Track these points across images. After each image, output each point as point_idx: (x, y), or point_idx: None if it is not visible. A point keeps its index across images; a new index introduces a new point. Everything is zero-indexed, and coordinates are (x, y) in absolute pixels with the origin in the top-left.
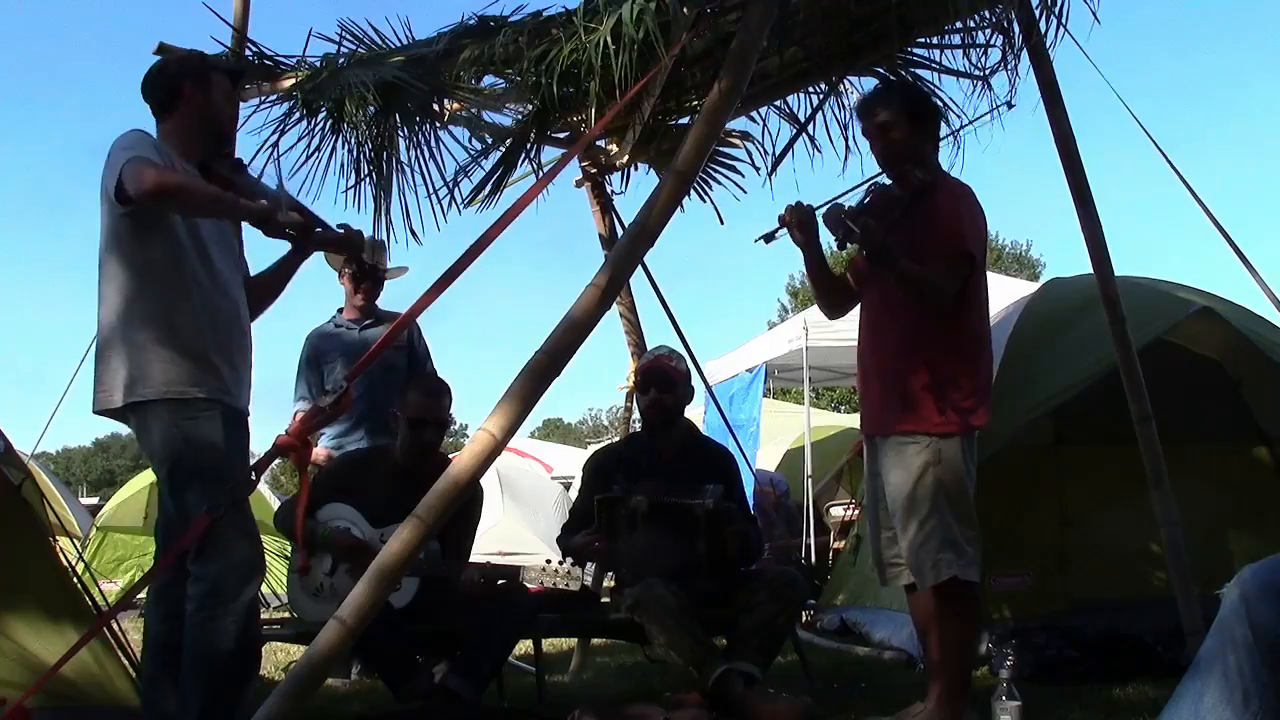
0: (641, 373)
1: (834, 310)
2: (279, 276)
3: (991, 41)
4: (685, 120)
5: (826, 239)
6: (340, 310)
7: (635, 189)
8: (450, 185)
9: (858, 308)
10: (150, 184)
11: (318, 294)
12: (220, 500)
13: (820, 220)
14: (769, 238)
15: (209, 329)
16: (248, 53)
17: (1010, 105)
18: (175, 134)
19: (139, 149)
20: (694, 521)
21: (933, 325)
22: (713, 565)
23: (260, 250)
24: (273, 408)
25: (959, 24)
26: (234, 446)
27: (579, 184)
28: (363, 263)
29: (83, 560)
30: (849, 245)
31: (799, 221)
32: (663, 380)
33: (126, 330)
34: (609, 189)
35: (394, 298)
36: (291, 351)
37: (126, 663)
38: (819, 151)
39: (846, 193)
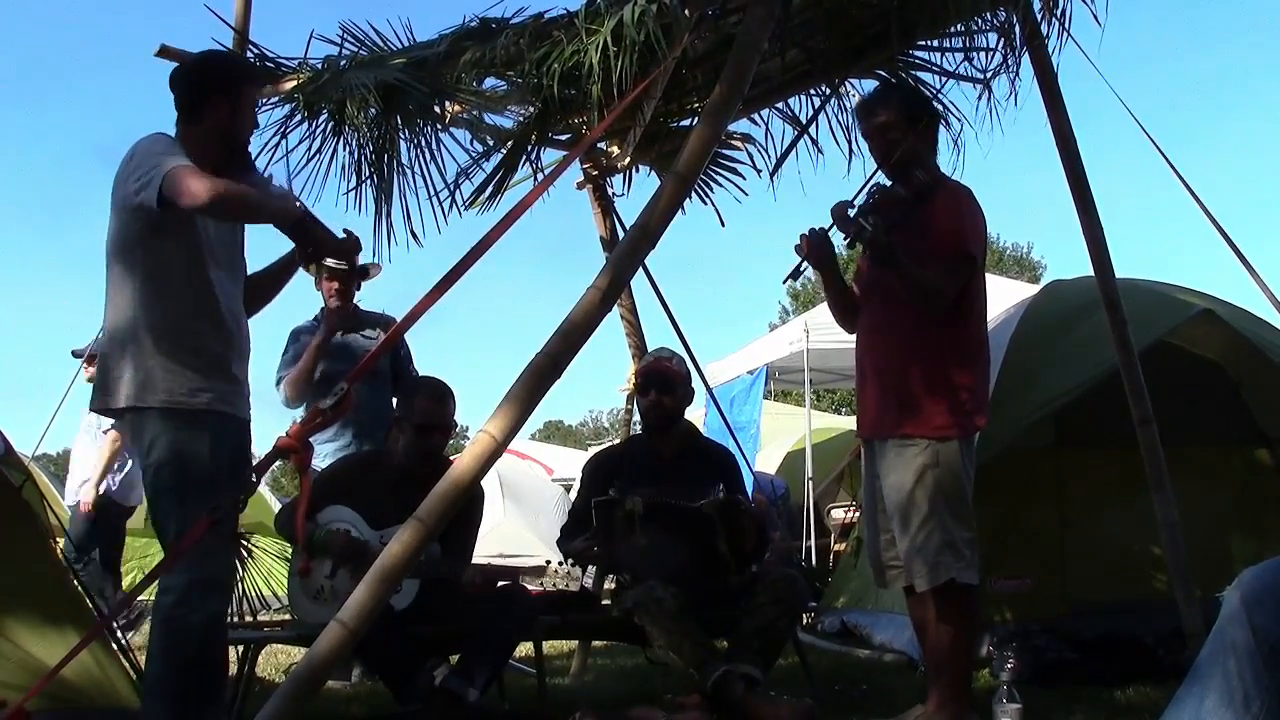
0: (642, 374)
1: (853, 325)
2: (279, 276)
3: (993, 44)
4: (687, 122)
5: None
6: (322, 309)
7: (636, 191)
8: (451, 187)
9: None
10: (208, 197)
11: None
12: (217, 505)
13: (830, 216)
14: (795, 275)
15: (215, 339)
16: (249, 55)
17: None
18: (193, 142)
19: (175, 156)
20: (704, 522)
21: (932, 328)
22: (736, 561)
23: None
24: (269, 411)
25: (960, 26)
26: (226, 458)
27: (580, 186)
28: (353, 265)
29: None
30: (857, 245)
31: (816, 246)
32: (663, 382)
33: (134, 335)
34: (610, 191)
35: (392, 299)
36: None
37: (127, 665)
38: (821, 154)
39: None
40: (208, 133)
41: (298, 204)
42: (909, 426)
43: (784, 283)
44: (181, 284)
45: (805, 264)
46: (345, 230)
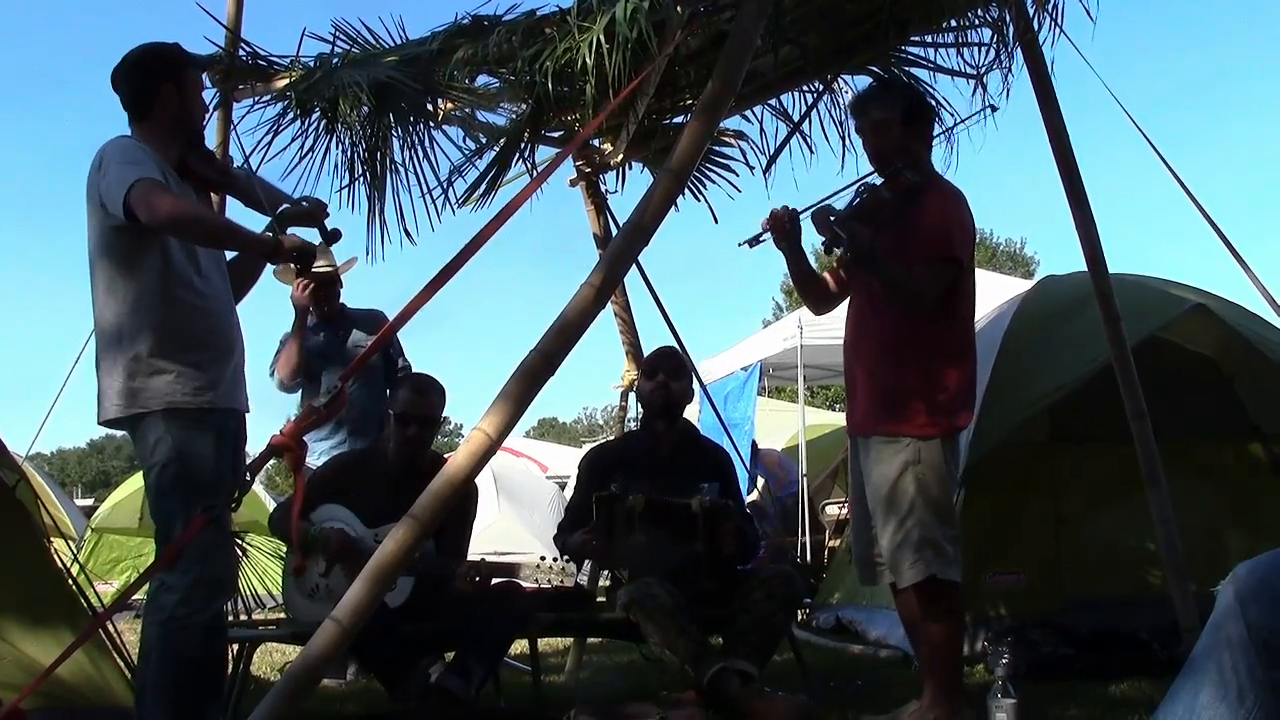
0: (651, 359)
1: (820, 307)
2: (254, 262)
3: (986, 40)
4: (680, 119)
5: (811, 239)
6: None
7: (630, 188)
8: (444, 185)
9: (844, 307)
10: (166, 215)
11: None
12: (213, 504)
13: (810, 221)
14: (753, 242)
15: (205, 335)
16: (241, 53)
17: (994, 108)
18: (153, 136)
19: (142, 165)
20: (690, 520)
21: (917, 327)
22: (711, 562)
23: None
24: (267, 411)
25: (953, 22)
26: (229, 456)
27: (573, 183)
28: (324, 229)
29: (78, 562)
30: (835, 250)
31: (782, 226)
32: (672, 366)
33: (126, 340)
34: (603, 188)
35: (391, 298)
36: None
37: (122, 664)
38: (813, 151)
39: (835, 194)
40: (163, 124)
41: (273, 202)
42: (892, 424)
43: (739, 246)
44: (168, 282)
45: (765, 235)
46: (305, 198)
